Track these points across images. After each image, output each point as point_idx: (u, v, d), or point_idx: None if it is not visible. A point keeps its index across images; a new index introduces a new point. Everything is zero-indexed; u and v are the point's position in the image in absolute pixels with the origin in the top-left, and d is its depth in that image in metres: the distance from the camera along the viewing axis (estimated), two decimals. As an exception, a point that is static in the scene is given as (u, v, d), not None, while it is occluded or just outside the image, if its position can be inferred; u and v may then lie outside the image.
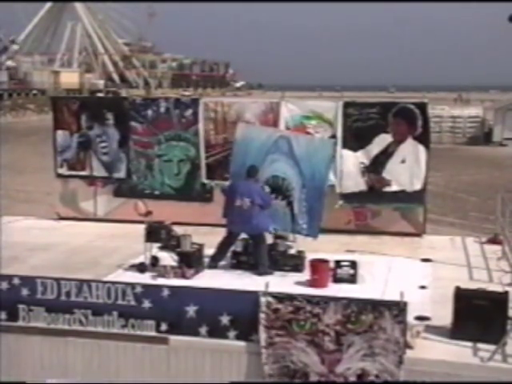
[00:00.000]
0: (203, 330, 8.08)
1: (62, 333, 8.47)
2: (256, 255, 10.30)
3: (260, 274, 10.04)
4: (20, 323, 8.60)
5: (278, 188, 10.90)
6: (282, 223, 10.89)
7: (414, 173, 12.74)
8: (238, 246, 10.61)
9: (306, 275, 9.90)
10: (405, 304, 7.41)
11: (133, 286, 8.33)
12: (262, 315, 7.76)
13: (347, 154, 12.92)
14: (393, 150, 12.82)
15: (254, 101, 14.08)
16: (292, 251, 10.69)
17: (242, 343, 7.95)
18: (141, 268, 10.36)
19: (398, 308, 7.41)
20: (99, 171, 14.37)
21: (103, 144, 14.24)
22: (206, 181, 13.66)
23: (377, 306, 7.49)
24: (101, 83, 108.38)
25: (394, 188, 12.85)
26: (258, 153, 11.05)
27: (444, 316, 7.99)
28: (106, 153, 14.26)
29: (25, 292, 8.56)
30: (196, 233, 10.82)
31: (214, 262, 10.52)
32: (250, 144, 11.21)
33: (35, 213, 16.09)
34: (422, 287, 9.65)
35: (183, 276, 10.01)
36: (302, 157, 10.82)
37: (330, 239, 12.08)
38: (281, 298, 7.76)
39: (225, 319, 8.00)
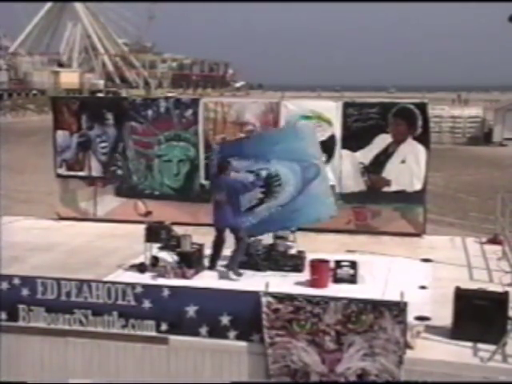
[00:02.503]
0: (203, 330, 8.08)
1: (62, 333, 8.47)
2: (232, 252, 10.29)
3: (228, 267, 10.14)
4: (20, 323, 8.60)
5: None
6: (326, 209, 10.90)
7: (414, 173, 12.75)
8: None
9: (306, 275, 9.90)
10: (405, 304, 7.41)
11: (133, 286, 8.33)
12: (263, 315, 7.76)
13: (347, 154, 12.93)
14: (393, 150, 12.83)
15: (253, 101, 14.07)
16: (292, 251, 10.69)
17: (242, 343, 7.95)
18: (141, 268, 10.36)
19: (398, 308, 7.41)
20: (98, 171, 14.36)
21: (103, 144, 14.24)
22: (204, 181, 13.65)
23: (377, 306, 7.49)
24: (101, 83, 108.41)
25: (393, 188, 12.86)
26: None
27: (444, 316, 7.99)
28: (105, 153, 14.26)
29: (25, 292, 8.56)
30: (196, 233, 10.82)
31: (213, 263, 10.53)
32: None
33: (35, 213, 16.10)
34: (422, 287, 9.65)
35: (183, 276, 10.01)
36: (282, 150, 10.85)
37: (330, 239, 12.10)
38: (281, 298, 7.76)
39: (225, 319, 8.00)
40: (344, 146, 12.93)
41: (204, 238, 10.81)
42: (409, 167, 12.77)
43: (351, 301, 7.57)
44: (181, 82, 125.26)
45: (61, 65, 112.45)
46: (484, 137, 46.75)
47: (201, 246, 10.52)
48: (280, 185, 10.70)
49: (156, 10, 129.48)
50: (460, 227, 19.23)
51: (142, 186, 14.06)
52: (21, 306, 8.58)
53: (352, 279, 9.81)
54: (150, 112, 13.88)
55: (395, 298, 7.49)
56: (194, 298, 8.15)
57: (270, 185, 10.74)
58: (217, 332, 8.04)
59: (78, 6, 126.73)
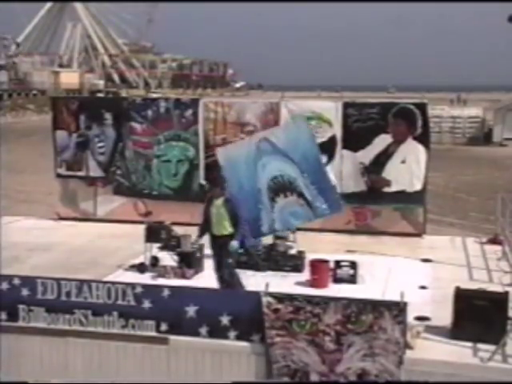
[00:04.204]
0: (203, 330, 8.08)
1: (62, 333, 8.47)
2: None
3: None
4: (20, 323, 8.60)
5: (283, 186, 10.79)
6: (304, 215, 10.60)
7: (414, 173, 12.76)
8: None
9: (306, 275, 9.90)
10: (405, 304, 7.41)
11: (133, 286, 8.33)
12: (263, 315, 7.76)
13: (347, 154, 12.94)
14: (393, 151, 12.84)
15: (254, 101, 14.09)
16: (292, 251, 10.69)
17: (242, 343, 7.95)
18: (141, 268, 10.37)
19: (397, 308, 7.40)
20: (95, 171, 14.36)
21: (100, 144, 14.25)
22: (203, 182, 13.64)
23: (377, 307, 7.48)
24: (101, 83, 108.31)
25: (393, 188, 12.87)
26: (246, 167, 10.74)
27: (444, 316, 8.00)
28: (102, 153, 14.27)
29: (25, 292, 8.56)
30: (196, 233, 10.80)
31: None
32: (236, 163, 10.78)
33: (35, 213, 16.11)
34: (422, 287, 9.66)
35: (183, 276, 10.02)
36: (286, 146, 10.64)
37: (330, 239, 12.10)
38: (281, 298, 7.76)
39: (225, 319, 7.99)
40: (344, 147, 12.95)
41: (204, 238, 10.79)
42: (409, 167, 12.79)
43: (351, 301, 7.57)
44: (181, 82, 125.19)
45: (61, 65, 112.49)
46: (484, 137, 46.70)
47: (201, 246, 10.52)
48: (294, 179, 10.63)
49: (155, 13, 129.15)
50: (460, 227, 19.21)
51: (140, 185, 14.07)
52: (21, 306, 8.58)
53: (352, 279, 9.82)
54: (149, 112, 13.90)
55: (395, 298, 7.49)
56: (194, 298, 8.15)
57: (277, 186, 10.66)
58: (217, 332, 8.04)
59: (78, 6, 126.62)
